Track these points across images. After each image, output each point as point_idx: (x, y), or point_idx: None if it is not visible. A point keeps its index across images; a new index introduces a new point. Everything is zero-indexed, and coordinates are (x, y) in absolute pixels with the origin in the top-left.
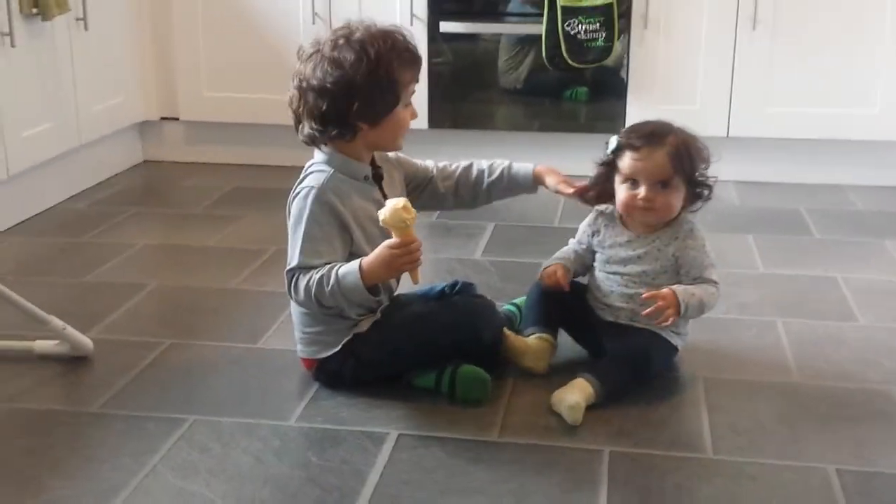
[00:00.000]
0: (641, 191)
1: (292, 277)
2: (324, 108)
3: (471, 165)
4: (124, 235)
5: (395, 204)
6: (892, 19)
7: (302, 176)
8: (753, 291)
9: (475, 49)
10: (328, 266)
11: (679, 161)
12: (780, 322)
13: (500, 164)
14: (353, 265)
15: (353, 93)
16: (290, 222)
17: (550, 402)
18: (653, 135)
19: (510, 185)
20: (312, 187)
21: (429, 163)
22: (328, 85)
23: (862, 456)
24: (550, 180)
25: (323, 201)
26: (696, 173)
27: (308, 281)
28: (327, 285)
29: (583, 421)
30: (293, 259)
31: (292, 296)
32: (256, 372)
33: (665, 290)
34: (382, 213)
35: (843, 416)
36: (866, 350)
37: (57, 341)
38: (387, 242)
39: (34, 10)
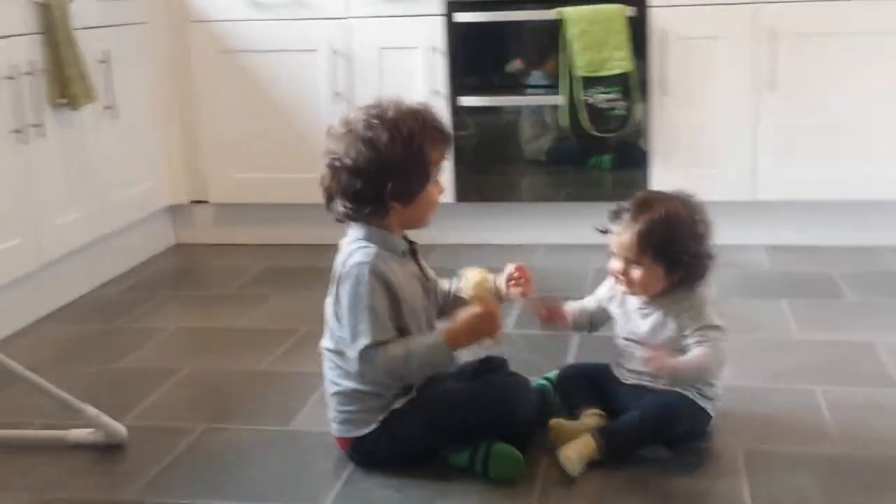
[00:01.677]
0: (616, 265)
1: (367, 355)
2: (358, 186)
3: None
4: (157, 320)
5: (479, 274)
6: None
7: (346, 253)
8: (789, 358)
9: (497, 121)
10: (401, 341)
11: (648, 240)
12: (819, 389)
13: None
14: (436, 337)
15: (387, 172)
16: (347, 301)
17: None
18: (635, 209)
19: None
20: (365, 262)
21: None
22: (362, 164)
23: None
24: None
25: (378, 275)
26: (678, 252)
27: (385, 357)
28: (414, 358)
29: (621, 497)
30: (363, 336)
31: (363, 373)
32: (290, 455)
33: (660, 350)
34: (467, 285)
35: (888, 486)
36: None
37: (91, 429)
38: (472, 311)
39: (63, 101)
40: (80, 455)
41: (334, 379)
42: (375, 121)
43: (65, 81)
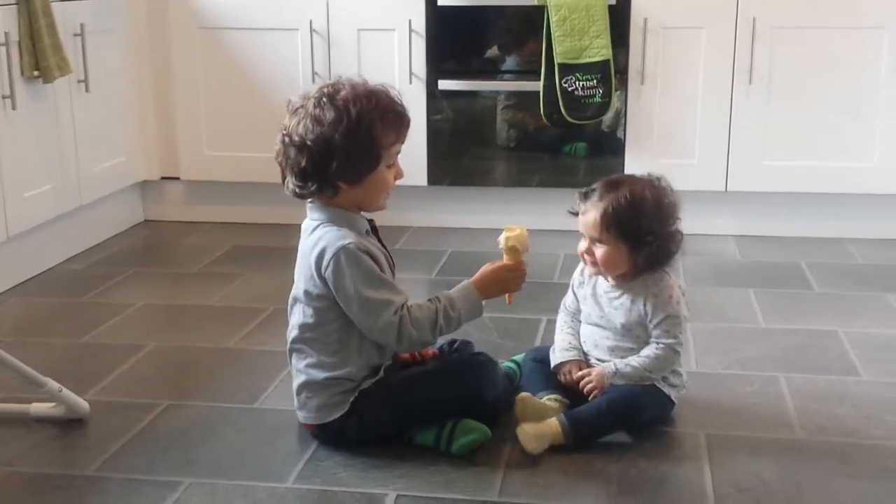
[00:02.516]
0: (582, 244)
1: (400, 317)
2: (303, 164)
3: None
4: (123, 296)
5: (522, 229)
6: (887, 72)
7: (317, 238)
8: (755, 346)
9: (474, 106)
10: (433, 299)
11: (612, 219)
12: (783, 377)
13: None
14: (468, 289)
15: (331, 151)
16: (351, 282)
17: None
18: (603, 190)
19: None
20: (349, 241)
21: None
22: (308, 142)
23: None
24: None
25: (366, 251)
26: (642, 232)
27: (422, 313)
28: (453, 307)
29: (583, 478)
30: (392, 302)
31: (400, 339)
32: (254, 433)
33: (595, 370)
34: (510, 235)
35: (848, 473)
36: (869, 405)
37: (53, 404)
38: (502, 264)
39: (35, 73)
40: (41, 429)
41: (305, 369)
42: (326, 99)
43: (38, 54)
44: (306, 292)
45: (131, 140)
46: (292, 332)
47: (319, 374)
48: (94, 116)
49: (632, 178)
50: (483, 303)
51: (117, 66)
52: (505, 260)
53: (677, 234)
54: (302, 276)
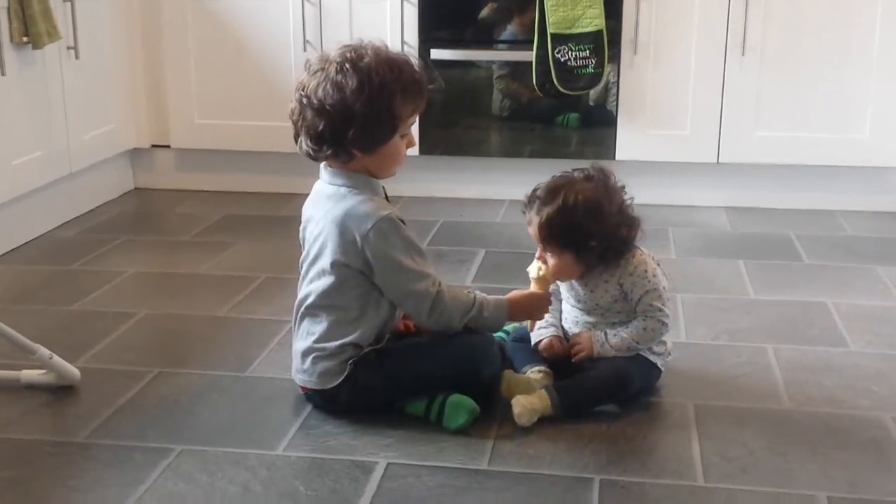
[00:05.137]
0: (538, 251)
1: (438, 290)
2: (320, 128)
3: None
4: (114, 263)
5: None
6: (880, 45)
7: (347, 206)
8: (744, 317)
9: (466, 76)
10: (470, 291)
11: (550, 231)
12: (771, 348)
13: None
14: (502, 303)
15: (350, 119)
16: (394, 250)
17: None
18: (541, 200)
19: None
20: (388, 213)
21: None
22: (327, 107)
23: (853, 483)
24: None
25: (398, 219)
26: (583, 239)
27: (455, 297)
28: (485, 311)
29: (571, 448)
30: (426, 277)
31: (433, 310)
32: (244, 401)
33: (584, 334)
34: (542, 266)
35: (835, 444)
36: (857, 376)
37: (43, 371)
38: (532, 293)
39: (24, 39)
40: (32, 396)
41: (318, 334)
42: (349, 65)
43: (28, 20)
44: (334, 258)
45: (121, 107)
46: (309, 298)
47: (333, 340)
48: (84, 83)
49: (572, 180)
50: (504, 321)
51: (107, 33)
52: (533, 288)
53: (625, 224)
54: (329, 242)
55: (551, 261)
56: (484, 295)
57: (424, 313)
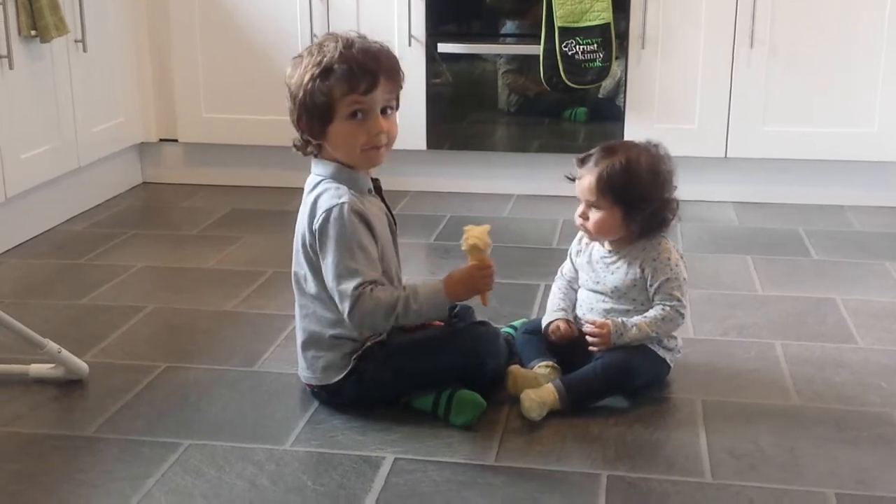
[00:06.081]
0: (579, 208)
1: (362, 295)
2: (291, 116)
3: None
4: (122, 258)
5: (483, 229)
6: (889, 39)
7: (316, 193)
8: (752, 313)
9: (474, 70)
10: (400, 291)
11: (607, 183)
12: (779, 344)
13: None
14: (435, 286)
15: (297, 104)
16: (331, 241)
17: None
18: (599, 155)
19: None
20: (342, 203)
21: None
22: (289, 95)
23: (862, 480)
24: None
25: (357, 213)
26: (637, 197)
27: (381, 297)
28: (414, 302)
29: (579, 443)
30: (357, 275)
31: (356, 314)
32: (252, 395)
33: (604, 321)
34: (472, 237)
35: (843, 440)
36: (865, 372)
37: (52, 365)
38: (470, 266)
39: (33, 33)
40: (40, 390)
41: (309, 327)
42: (306, 50)
43: (35, 13)
44: (303, 245)
45: (129, 101)
46: (296, 291)
47: (325, 331)
48: (92, 77)
49: (629, 143)
50: (448, 305)
51: (115, 27)
52: (469, 261)
53: (673, 201)
54: (301, 232)
55: (595, 216)
56: (415, 285)
57: (345, 313)
